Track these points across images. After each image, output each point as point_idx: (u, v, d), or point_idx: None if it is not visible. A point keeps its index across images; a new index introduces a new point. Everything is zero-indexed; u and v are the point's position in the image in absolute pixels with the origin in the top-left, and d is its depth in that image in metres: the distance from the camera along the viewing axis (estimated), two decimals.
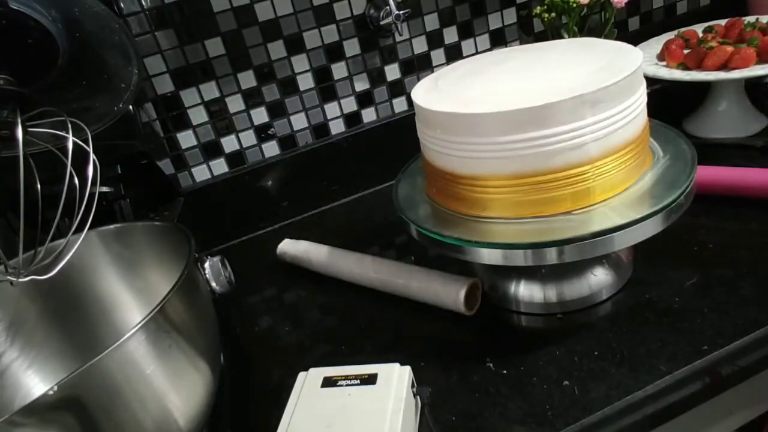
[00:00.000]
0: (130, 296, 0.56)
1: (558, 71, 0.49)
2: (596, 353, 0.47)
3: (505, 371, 0.47)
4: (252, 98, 0.81)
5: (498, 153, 0.45)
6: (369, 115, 0.88)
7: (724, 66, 0.70)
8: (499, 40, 0.91)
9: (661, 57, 0.80)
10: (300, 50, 0.80)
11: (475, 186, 0.48)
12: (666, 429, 0.44)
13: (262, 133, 0.83)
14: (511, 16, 0.90)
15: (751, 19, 0.77)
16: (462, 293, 0.53)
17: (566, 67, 0.49)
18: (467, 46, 0.89)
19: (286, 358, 0.56)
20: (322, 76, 0.83)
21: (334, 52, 0.82)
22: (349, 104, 0.86)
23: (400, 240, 0.72)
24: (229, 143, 0.82)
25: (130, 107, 0.60)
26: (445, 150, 0.48)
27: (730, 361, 0.44)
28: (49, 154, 0.44)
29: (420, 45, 0.86)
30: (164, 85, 0.76)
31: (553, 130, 0.43)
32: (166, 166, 0.80)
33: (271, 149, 0.85)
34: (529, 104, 0.42)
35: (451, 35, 0.87)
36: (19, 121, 0.41)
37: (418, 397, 0.45)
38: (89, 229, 0.43)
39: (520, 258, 0.45)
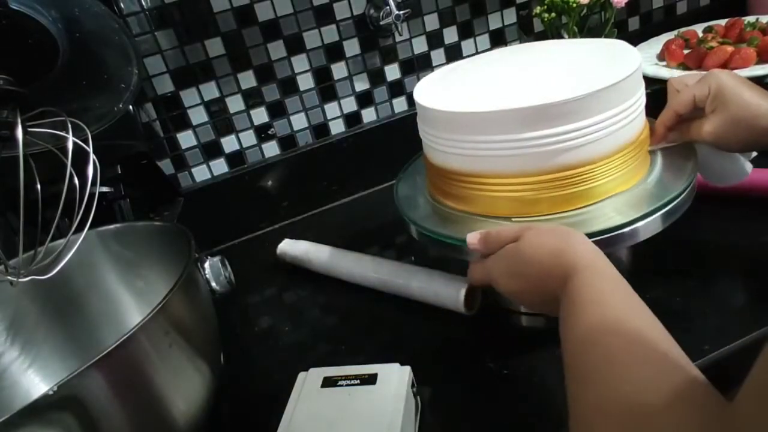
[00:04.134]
0: (130, 296, 0.56)
1: (558, 71, 0.49)
2: None
3: (505, 371, 0.47)
4: (252, 98, 0.81)
5: (499, 152, 0.45)
6: (369, 115, 0.88)
7: (724, 66, 0.70)
8: (499, 40, 0.91)
9: (661, 57, 0.80)
10: (300, 50, 0.80)
11: (476, 185, 0.48)
12: None
13: (262, 133, 0.83)
14: (511, 16, 0.90)
15: (751, 19, 0.77)
16: (462, 293, 0.53)
17: (566, 68, 0.49)
18: (467, 46, 0.89)
19: (286, 358, 0.56)
20: (322, 76, 0.83)
21: (334, 52, 0.82)
22: (349, 104, 0.86)
23: (400, 240, 0.72)
24: (229, 143, 0.82)
25: (130, 107, 0.60)
26: (446, 149, 0.48)
27: (731, 360, 0.44)
28: (49, 154, 0.44)
29: (420, 45, 0.86)
30: (164, 85, 0.76)
31: (554, 130, 0.43)
32: (166, 166, 0.80)
33: (271, 149, 0.85)
34: (530, 103, 0.42)
35: (451, 35, 0.87)
36: (19, 121, 0.41)
37: (418, 397, 0.45)
38: (89, 229, 0.43)
39: None
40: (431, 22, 0.85)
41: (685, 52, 0.76)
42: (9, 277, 0.42)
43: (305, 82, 0.82)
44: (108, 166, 0.64)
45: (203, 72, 0.77)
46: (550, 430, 0.42)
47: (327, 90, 0.84)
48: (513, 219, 0.47)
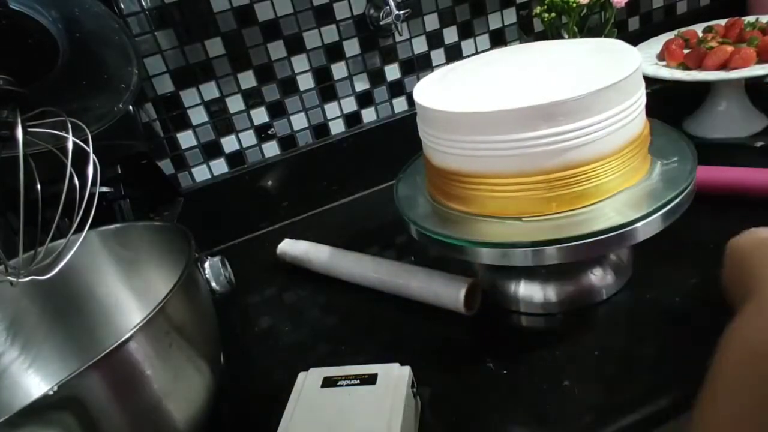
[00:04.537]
0: (130, 296, 0.56)
1: (559, 71, 0.49)
2: (596, 353, 0.47)
3: (505, 371, 0.47)
4: (252, 98, 0.81)
5: (499, 152, 0.45)
6: (369, 115, 0.88)
7: (724, 66, 0.70)
8: (499, 40, 0.91)
9: (661, 57, 0.80)
10: (300, 50, 0.80)
11: (476, 185, 0.48)
12: (667, 428, 0.44)
13: (262, 133, 0.83)
14: (511, 16, 0.89)
15: (751, 19, 0.77)
16: (462, 293, 0.53)
17: (567, 67, 0.49)
18: (467, 46, 0.89)
19: (286, 358, 0.56)
20: (322, 76, 0.83)
21: (334, 52, 0.82)
22: (349, 104, 0.86)
23: (400, 240, 0.72)
24: (229, 143, 0.82)
25: (130, 107, 0.60)
26: (446, 149, 0.48)
27: None
28: (49, 154, 0.44)
29: (420, 45, 0.86)
30: (164, 85, 0.76)
31: (554, 130, 0.43)
32: (166, 166, 0.80)
33: (271, 149, 0.85)
34: (530, 103, 0.42)
35: (451, 35, 0.87)
36: (19, 121, 0.41)
37: (418, 397, 0.45)
38: (89, 229, 0.43)
39: (519, 257, 0.45)
40: (431, 22, 0.85)
41: (685, 52, 0.76)
42: (9, 277, 0.42)
43: (305, 82, 0.82)
44: (108, 166, 0.64)
45: (203, 72, 0.77)
46: (549, 430, 0.42)
47: (327, 90, 0.84)
48: (514, 219, 0.47)
